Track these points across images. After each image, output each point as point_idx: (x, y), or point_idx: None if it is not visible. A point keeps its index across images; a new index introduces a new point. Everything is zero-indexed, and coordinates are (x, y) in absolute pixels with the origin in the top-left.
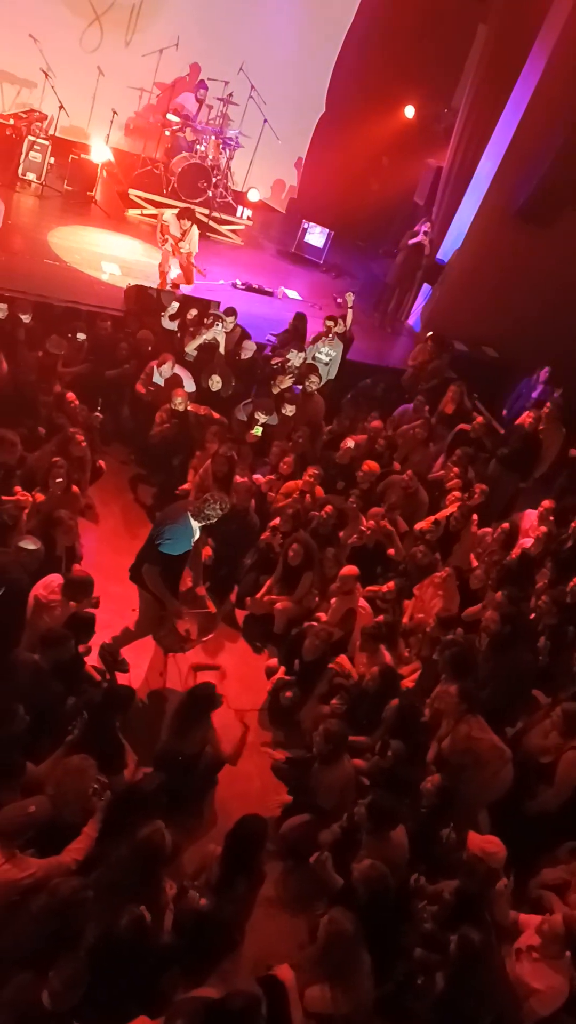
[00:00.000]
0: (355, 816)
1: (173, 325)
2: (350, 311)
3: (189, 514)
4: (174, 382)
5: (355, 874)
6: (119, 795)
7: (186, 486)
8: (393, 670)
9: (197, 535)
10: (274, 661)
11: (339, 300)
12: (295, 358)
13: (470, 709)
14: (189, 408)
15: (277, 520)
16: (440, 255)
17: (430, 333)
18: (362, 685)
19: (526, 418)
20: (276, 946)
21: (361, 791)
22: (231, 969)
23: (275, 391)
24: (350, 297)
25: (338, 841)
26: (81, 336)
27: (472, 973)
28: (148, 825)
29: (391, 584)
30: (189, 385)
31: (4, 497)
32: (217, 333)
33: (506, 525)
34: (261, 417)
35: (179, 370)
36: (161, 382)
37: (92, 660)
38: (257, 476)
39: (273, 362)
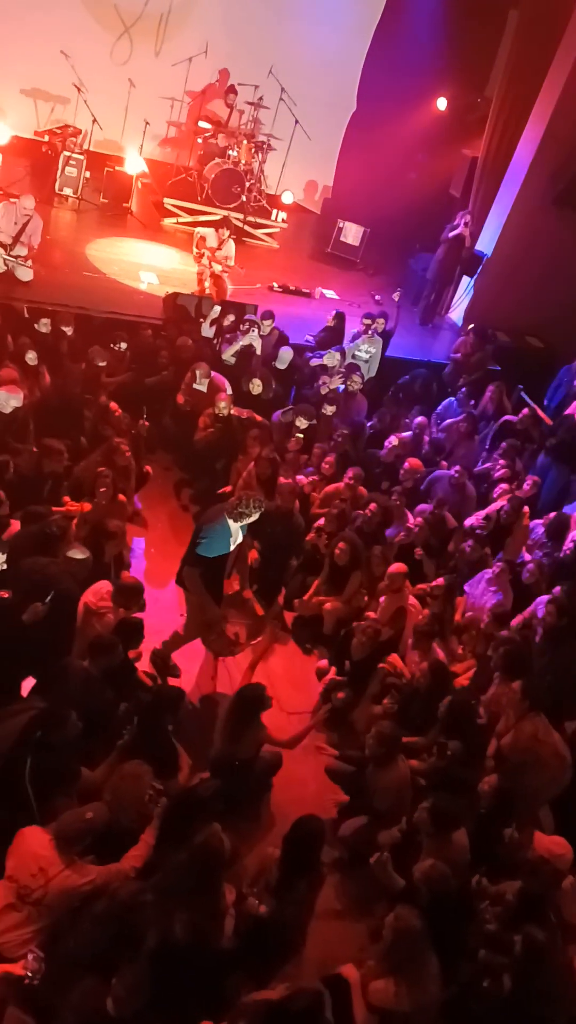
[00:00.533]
0: (416, 819)
1: (211, 332)
2: (398, 310)
3: (226, 515)
4: (215, 387)
5: (417, 874)
6: (175, 801)
7: (228, 488)
8: (444, 666)
9: (239, 537)
10: (324, 662)
11: (377, 298)
12: (330, 359)
13: (533, 707)
14: (232, 412)
15: (322, 520)
16: (479, 246)
17: (471, 326)
18: (414, 684)
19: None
20: (338, 948)
21: (418, 792)
22: (294, 972)
23: (324, 391)
24: (397, 295)
25: (397, 843)
26: (122, 346)
27: (539, 974)
28: (205, 830)
29: (441, 580)
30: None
31: (54, 508)
32: (253, 339)
33: (552, 515)
34: (302, 423)
35: (216, 376)
36: (203, 388)
37: (143, 666)
38: (301, 477)
39: (313, 362)
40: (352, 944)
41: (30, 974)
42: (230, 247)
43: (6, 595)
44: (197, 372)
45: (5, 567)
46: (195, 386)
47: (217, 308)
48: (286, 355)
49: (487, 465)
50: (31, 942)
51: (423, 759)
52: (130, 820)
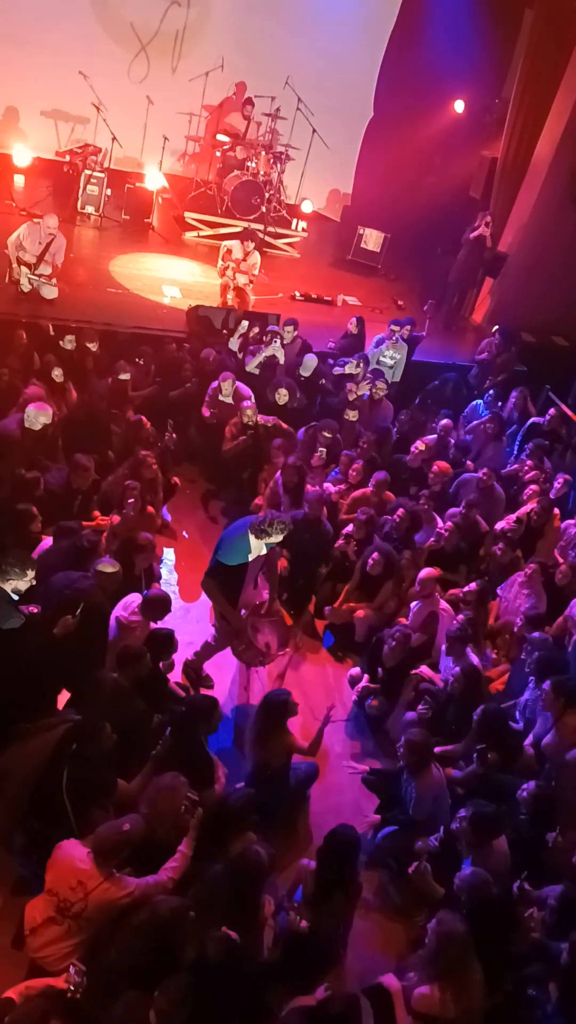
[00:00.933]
0: (456, 828)
1: (238, 345)
2: (428, 320)
3: (249, 530)
4: (239, 396)
5: (457, 882)
6: (211, 812)
7: (258, 500)
8: (478, 672)
9: (262, 551)
10: (357, 670)
11: (400, 303)
12: (351, 368)
13: (569, 702)
14: (258, 420)
15: (350, 527)
16: (501, 247)
17: (496, 327)
18: (448, 690)
19: None
20: (379, 959)
21: (455, 800)
22: (335, 983)
23: (351, 397)
24: (427, 307)
25: (436, 852)
26: (141, 361)
27: None
28: (242, 841)
29: (473, 585)
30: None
31: (84, 523)
32: (276, 349)
33: None
34: (325, 437)
35: (240, 386)
36: (229, 399)
37: (177, 677)
38: (328, 485)
39: (336, 369)
40: (393, 954)
41: (72, 988)
42: (255, 258)
43: (36, 610)
44: (223, 385)
45: (34, 583)
46: (220, 398)
47: (245, 323)
48: (310, 362)
49: (515, 467)
50: (72, 955)
51: (459, 767)
52: (167, 833)
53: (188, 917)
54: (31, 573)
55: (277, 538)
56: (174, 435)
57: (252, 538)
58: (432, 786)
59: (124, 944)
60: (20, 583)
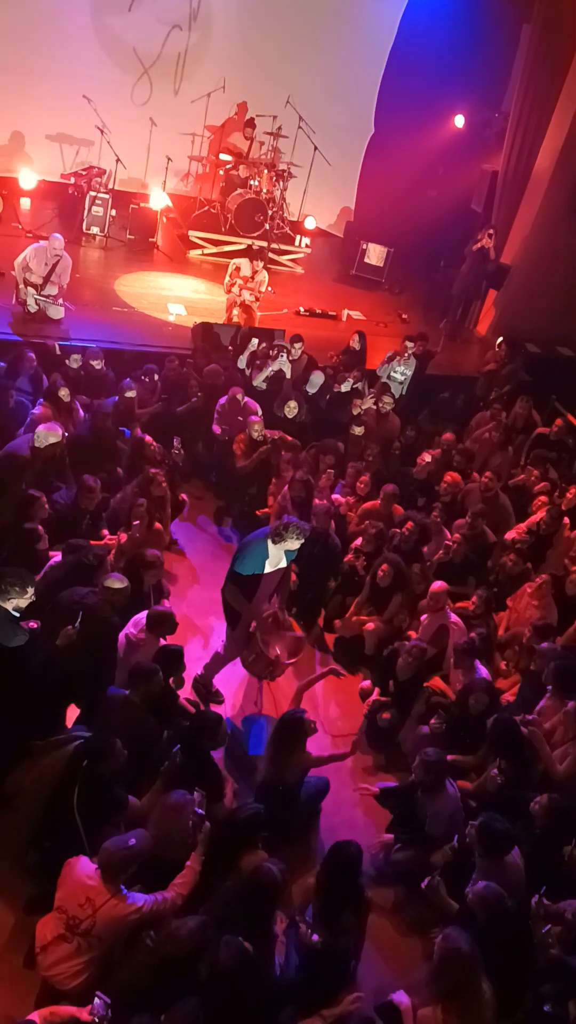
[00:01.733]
0: (467, 839)
1: (244, 362)
2: (443, 337)
3: (267, 536)
4: (247, 411)
5: (471, 897)
6: (220, 827)
7: (265, 510)
8: (488, 685)
9: (281, 562)
10: (368, 683)
11: (404, 317)
12: (346, 386)
13: None
14: (265, 435)
15: (359, 541)
16: (504, 259)
17: (500, 339)
18: (462, 704)
19: None
20: (394, 975)
21: (470, 814)
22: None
23: (356, 412)
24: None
25: (450, 867)
26: (151, 377)
27: None
28: (253, 858)
29: (475, 598)
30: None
31: (92, 542)
32: (282, 363)
33: None
34: (328, 460)
35: (248, 400)
36: (260, 437)
37: (187, 693)
38: (337, 496)
39: (337, 386)
40: (408, 970)
41: (96, 1020)
42: (263, 276)
43: (35, 625)
44: (253, 426)
45: (34, 599)
46: (254, 436)
47: (255, 341)
48: (317, 379)
49: (521, 477)
50: (82, 973)
51: (471, 779)
52: (176, 852)
53: (209, 939)
54: (31, 591)
55: (294, 543)
56: (181, 451)
57: (270, 544)
58: (448, 803)
59: (139, 965)
60: (21, 601)
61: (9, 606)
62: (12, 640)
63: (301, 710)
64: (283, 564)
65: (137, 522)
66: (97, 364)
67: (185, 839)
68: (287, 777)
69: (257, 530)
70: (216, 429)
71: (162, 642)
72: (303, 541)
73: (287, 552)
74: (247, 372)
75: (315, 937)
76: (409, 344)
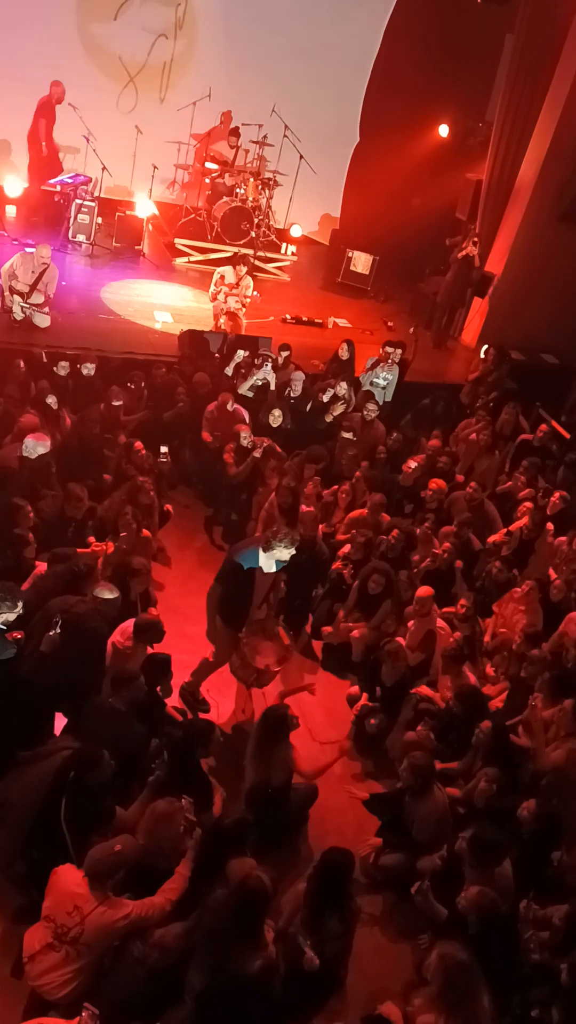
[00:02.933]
0: (457, 849)
1: (232, 370)
2: (415, 342)
3: (259, 545)
4: (236, 418)
5: (464, 902)
6: (209, 833)
7: (255, 521)
8: (477, 691)
9: (271, 569)
10: (355, 689)
11: (390, 324)
12: (341, 389)
13: None
14: (255, 441)
15: (347, 548)
16: (488, 267)
17: (486, 346)
18: (449, 709)
19: None
20: (384, 982)
21: (458, 820)
22: (339, 1008)
23: (328, 419)
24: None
25: (439, 873)
26: (131, 386)
27: None
28: (242, 865)
29: (463, 602)
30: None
31: (80, 550)
32: (267, 372)
33: None
34: (313, 469)
35: (236, 407)
36: (248, 443)
37: (174, 701)
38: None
39: (320, 395)
40: (398, 978)
41: None
42: (248, 281)
43: (19, 635)
44: (227, 404)
45: (22, 611)
46: (243, 442)
47: (241, 353)
48: (298, 376)
49: (508, 484)
50: (71, 982)
51: (459, 785)
52: (166, 859)
53: (194, 948)
54: (20, 605)
55: (283, 551)
56: (168, 460)
57: (261, 553)
58: (436, 808)
59: (127, 975)
60: (10, 616)
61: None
62: (3, 653)
63: (283, 705)
64: (272, 572)
65: (124, 534)
66: (88, 370)
67: (175, 846)
68: (273, 777)
69: (249, 539)
70: (206, 436)
71: (149, 650)
72: (293, 551)
73: (277, 562)
74: (234, 383)
75: (316, 961)
76: (389, 350)
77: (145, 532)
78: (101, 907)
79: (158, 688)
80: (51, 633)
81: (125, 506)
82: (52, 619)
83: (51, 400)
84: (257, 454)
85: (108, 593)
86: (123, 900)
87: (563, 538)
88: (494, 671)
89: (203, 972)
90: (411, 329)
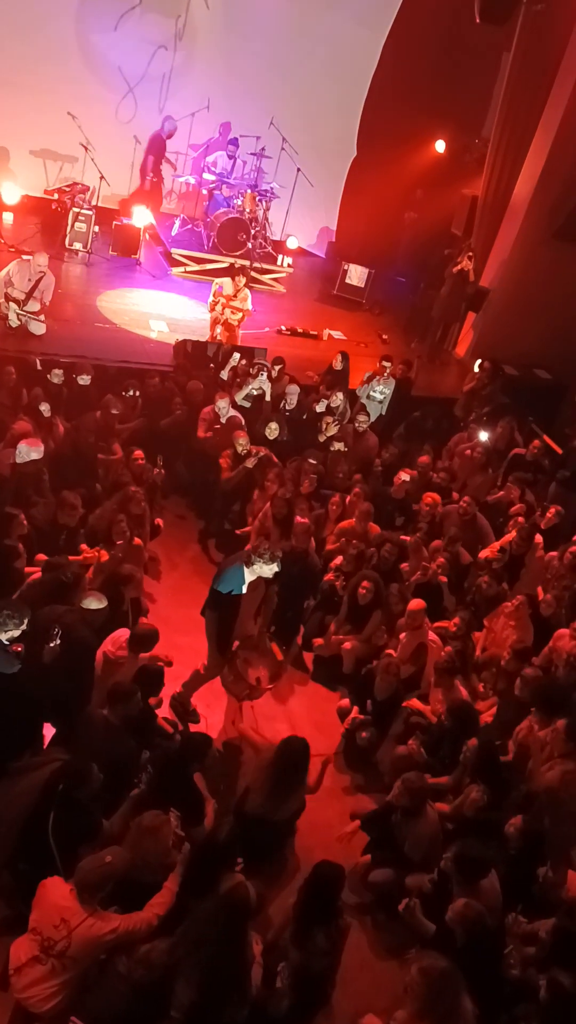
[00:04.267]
0: (443, 866)
1: (226, 377)
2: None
3: (242, 561)
4: (233, 424)
5: (450, 915)
6: (199, 848)
7: (245, 529)
8: (468, 706)
9: (259, 586)
10: (346, 702)
11: (384, 337)
12: (336, 400)
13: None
14: (251, 450)
15: (339, 560)
16: (483, 283)
17: (480, 361)
18: (441, 724)
19: None
20: (371, 999)
21: (447, 836)
22: None
23: (322, 439)
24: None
25: (427, 890)
26: (130, 393)
27: (568, 1019)
28: (230, 878)
29: (457, 619)
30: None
31: (71, 557)
32: (262, 382)
33: (575, 548)
34: (312, 464)
35: (235, 415)
36: (229, 413)
37: (163, 712)
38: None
39: (315, 405)
40: (384, 994)
41: None
42: (245, 293)
43: (19, 648)
44: (221, 401)
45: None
46: (218, 408)
47: (236, 355)
48: (293, 390)
49: (500, 494)
50: (56, 995)
51: (448, 800)
52: (153, 873)
53: (178, 964)
54: (26, 621)
55: (266, 568)
56: (162, 471)
57: (244, 569)
58: (428, 828)
59: (112, 990)
60: (15, 632)
61: (4, 637)
62: (10, 668)
63: (301, 738)
64: (261, 589)
65: (120, 541)
66: (84, 380)
67: (162, 860)
68: (281, 813)
69: (235, 555)
70: (201, 433)
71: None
72: (277, 567)
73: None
74: (231, 389)
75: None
76: (386, 364)
77: (137, 540)
78: (89, 920)
79: (149, 699)
80: (51, 644)
81: (118, 515)
82: (40, 628)
83: (44, 408)
84: (249, 464)
85: (95, 603)
86: (110, 914)
87: (554, 553)
88: (483, 687)
89: (189, 986)
90: (412, 344)
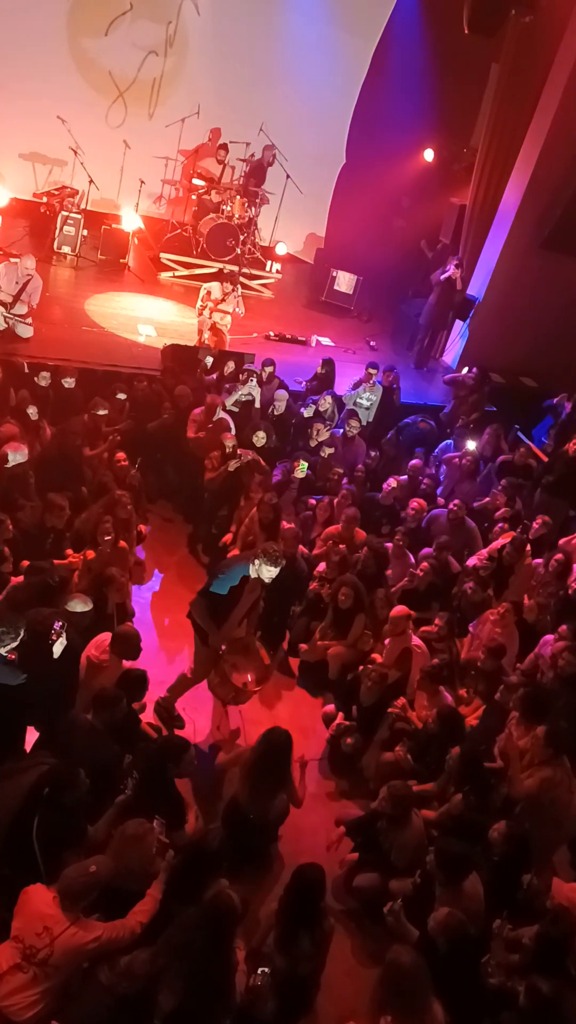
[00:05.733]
0: (427, 868)
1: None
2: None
3: (248, 563)
4: (222, 427)
5: (432, 923)
6: (183, 854)
7: (229, 536)
8: (456, 712)
9: (257, 587)
10: (331, 708)
11: (372, 344)
12: (324, 404)
13: (557, 754)
14: (239, 452)
15: (322, 567)
16: (470, 291)
17: (466, 369)
18: (427, 730)
19: (571, 445)
20: (354, 1004)
21: (431, 843)
22: None
23: (312, 443)
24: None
25: (411, 895)
26: (121, 396)
27: None
28: (214, 886)
29: (437, 621)
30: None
31: (56, 561)
32: (252, 388)
33: (560, 556)
34: (301, 470)
35: (224, 417)
36: (220, 414)
37: (148, 717)
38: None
39: (303, 411)
40: (369, 1000)
41: None
42: (233, 298)
43: (12, 657)
44: (215, 405)
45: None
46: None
47: (210, 359)
48: (282, 396)
49: (486, 500)
50: (38, 1004)
51: (433, 807)
52: (137, 882)
53: (161, 973)
54: (23, 632)
55: (266, 570)
56: (135, 472)
57: (251, 568)
58: (414, 835)
59: (93, 1000)
60: (12, 644)
61: (3, 650)
62: (14, 680)
63: (283, 730)
64: (259, 587)
65: (108, 537)
66: (68, 383)
67: (146, 869)
68: (265, 814)
69: (232, 557)
70: (190, 433)
71: (125, 664)
72: (275, 573)
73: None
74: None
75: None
76: (372, 371)
77: (123, 543)
78: (72, 928)
79: (133, 704)
80: (55, 640)
81: (104, 516)
82: (31, 632)
83: (31, 411)
84: (231, 467)
85: (80, 605)
86: (94, 922)
87: (540, 560)
88: (466, 692)
89: (173, 993)
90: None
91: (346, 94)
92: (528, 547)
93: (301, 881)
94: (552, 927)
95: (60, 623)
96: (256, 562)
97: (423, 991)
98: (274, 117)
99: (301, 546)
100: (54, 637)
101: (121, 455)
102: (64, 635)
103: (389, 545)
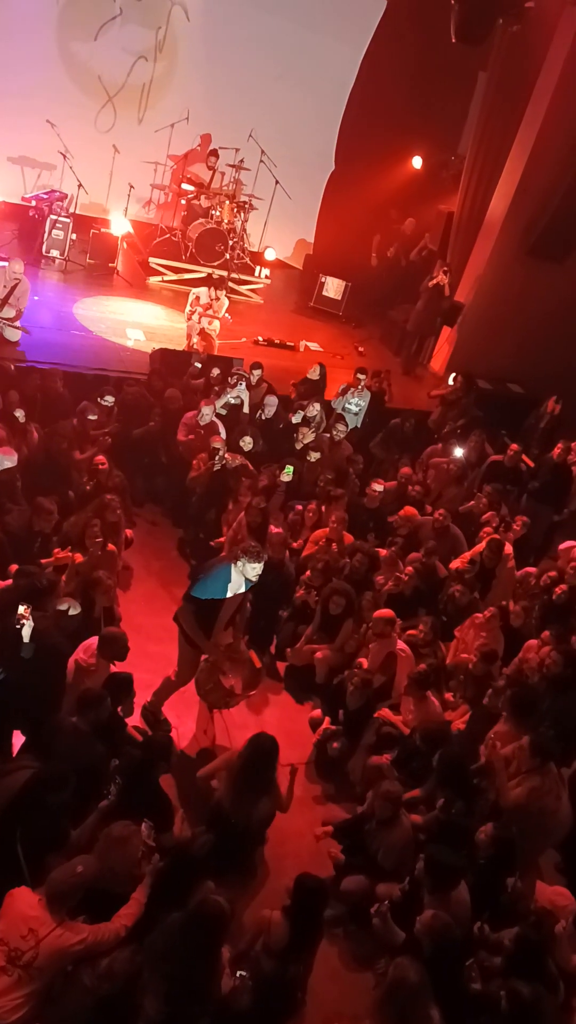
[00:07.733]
0: (416, 874)
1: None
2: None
3: (230, 563)
4: (211, 430)
5: (418, 927)
6: (169, 859)
7: (220, 540)
8: (440, 726)
9: (241, 588)
10: (318, 712)
11: (360, 350)
12: (313, 410)
13: (544, 762)
14: (226, 455)
15: (307, 573)
16: (458, 297)
17: (454, 374)
18: (412, 743)
19: (556, 450)
20: (340, 1007)
21: (419, 847)
22: None
23: (298, 446)
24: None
25: (398, 898)
26: (109, 400)
27: None
28: (200, 890)
29: (421, 626)
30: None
31: (43, 560)
32: (240, 392)
33: (553, 573)
34: (287, 474)
35: (214, 420)
36: (210, 419)
37: (135, 721)
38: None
39: (291, 416)
40: (355, 1002)
41: None
42: (223, 301)
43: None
44: (206, 408)
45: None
46: (201, 414)
47: (198, 364)
48: (271, 401)
49: (471, 504)
50: (22, 1007)
51: (420, 811)
52: (122, 884)
53: (143, 973)
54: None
55: (250, 568)
56: (117, 474)
57: (233, 570)
58: (402, 836)
59: (75, 1003)
60: None
61: None
62: None
63: (269, 735)
64: (241, 591)
65: (97, 540)
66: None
67: (131, 871)
68: (250, 817)
69: (214, 559)
70: (181, 436)
71: (112, 668)
72: (260, 569)
73: (247, 581)
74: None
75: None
76: (360, 376)
77: (111, 546)
78: (57, 931)
79: (119, 708)
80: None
81: (92, 520)
82: (12, 635)
83: (19, 414)
84: (215, 466)
85: (69, 608)
86: (79, 924)
87: (531, 569)
88: (453, 696)
89: (158, 998)
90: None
91: (335, 100)
92: (509, 548)
93: (307, 892)
94: (531, 930)
95: (25, 606)
96: (239, 562)
97: (425, 1006)
98: (263, 123)
99: (288, 550)
100: (21, 620)
101: (101, 458)
102: (31, 619)
103: (381, 552)
